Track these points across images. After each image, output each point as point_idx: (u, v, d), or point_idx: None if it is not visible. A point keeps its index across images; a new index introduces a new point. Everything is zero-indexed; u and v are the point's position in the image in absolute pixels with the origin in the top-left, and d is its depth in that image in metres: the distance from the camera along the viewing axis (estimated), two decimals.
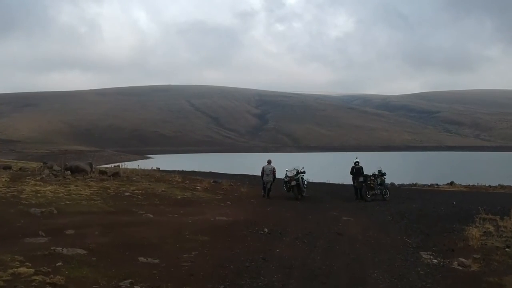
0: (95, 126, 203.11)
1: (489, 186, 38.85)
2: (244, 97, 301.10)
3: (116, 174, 18.12)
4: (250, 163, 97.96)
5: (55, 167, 17.70)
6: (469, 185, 40.57)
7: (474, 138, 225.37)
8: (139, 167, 34.63)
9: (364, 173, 18.33)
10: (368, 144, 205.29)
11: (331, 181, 41.65)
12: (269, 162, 18.39)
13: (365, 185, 17.86)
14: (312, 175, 64.81)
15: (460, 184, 39.49)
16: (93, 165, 18.26)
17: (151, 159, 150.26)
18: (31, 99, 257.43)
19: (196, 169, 37.33)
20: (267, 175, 17.70)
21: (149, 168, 32.92)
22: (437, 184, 36.97)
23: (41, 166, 17.90)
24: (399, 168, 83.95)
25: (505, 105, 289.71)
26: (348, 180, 46.66)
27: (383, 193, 18.33)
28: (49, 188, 14.38)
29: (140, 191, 15.19)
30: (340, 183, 41.23)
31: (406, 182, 44.66)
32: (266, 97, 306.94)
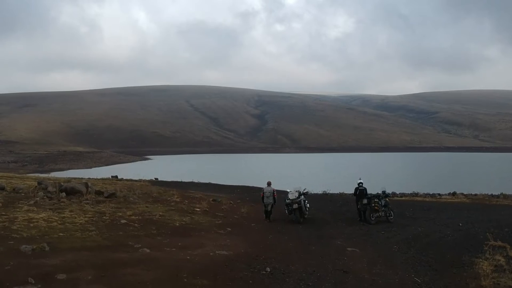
0: (94, 126, 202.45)
1: (492, 195, 38.39)
2: (244, 98, 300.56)
3: (112, 195, 17.59)
4: (249, 167, 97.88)
5: (50, 188, 17.17)
6: (471, 194, 40.15)
7: (473, 138, 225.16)
8: (138, 178, 34.27)
9: (368, 195, 17.81)
10: (367, 145, 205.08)
11: (331, 190, 41.21)
12: (268, 184, 17.92)
13: (369, 207, 17.36)
14: (312, 180, 64.25)
15: (462, 194, 39.04)
16: (89, 186, 17.70)
17: (150, 160, 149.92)
18: (30, 99, 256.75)
19: (195, 179, 36.70)
20: (267, 197, 17.25)
21: (148, 178, 32.41)
22: (439, 194, 36.52)
23: (35, 187, 17.35)
24: (399, 171, 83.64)
25: (504, 106, 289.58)
26: (348, 188, 46.23)
27: (387, 214, 17.84)
28: (43, 215, 13.85)
29: (137, 217, 14.66)
30: (340, 192, 40.82)
31: (407, 190, 44.24)
32: (265, 97, 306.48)
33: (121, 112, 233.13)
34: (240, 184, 33.07)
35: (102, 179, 31.21)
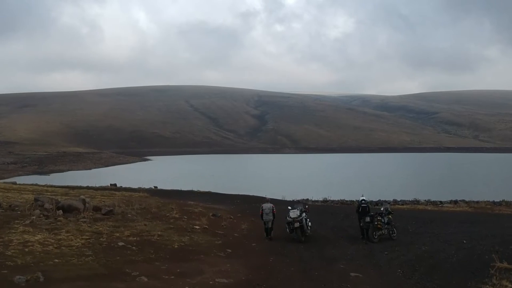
0: (94, 127, 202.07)
1: (493, 202, 38.15)
2: (243, 98, 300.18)
3: (110, 212, 17.27)
4: (249, 170, 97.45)
5: (47, 205, 16.85)
6: (473, 201, 39.89)
7: (473, 139, 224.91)
8: (137, 186, 33.97)
9: (371, 213, 17.50)
10: (367, 145, 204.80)
11: (332, 197, 40.99)
12: (267, 200, 17.63)
13: (372, 225, 17.06)
14: (312, 184, 63.81)
15: (464, 201, 38.79)
16: (87, 202, 17.38)
17: (150, 161, 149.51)
18: (30, 99, 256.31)
19: (195, 187, 36.36)
20: (267, 214, 16.98)
21: (147, 187, 32.05)
22: (440, 202, 36.30)
23: (32, 204, 17.05)
24: (399, 174, 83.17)
25: (504, 106, 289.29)
26: (348, 194, 45.97)
27: (391, 232, 17.53)
28: (39, 237, 13.53)
29: (135, 238, 14.35)
30: (341, 199, 40.59)
31: (408, 196, 43.99)
32: (265, 97, 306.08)
33: (121, 112, 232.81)
34: (240, 193, 32.71)
35: (101, 188, 30.88)
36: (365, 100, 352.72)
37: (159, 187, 34.18)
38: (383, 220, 17.32)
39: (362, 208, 17.53)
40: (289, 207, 17.41)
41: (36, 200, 17.41)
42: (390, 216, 17.77)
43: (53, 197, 20.48)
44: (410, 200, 39.00)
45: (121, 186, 33.56)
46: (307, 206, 17.84)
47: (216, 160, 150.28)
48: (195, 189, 35.04)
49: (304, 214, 17.01)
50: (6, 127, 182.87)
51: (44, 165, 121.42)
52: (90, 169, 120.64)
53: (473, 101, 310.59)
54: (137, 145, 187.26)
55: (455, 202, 33.60)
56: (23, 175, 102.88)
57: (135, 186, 33.89)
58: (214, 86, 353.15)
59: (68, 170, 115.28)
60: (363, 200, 17.90)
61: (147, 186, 34.46)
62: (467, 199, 42.25)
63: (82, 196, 18.02)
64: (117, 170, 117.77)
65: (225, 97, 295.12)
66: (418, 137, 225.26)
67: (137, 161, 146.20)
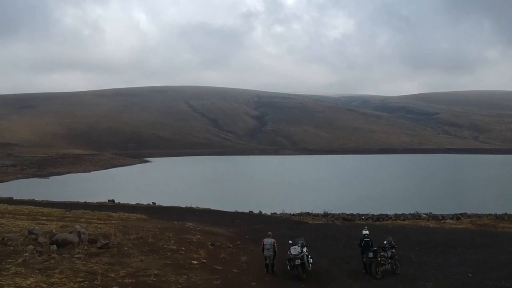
0: (93, 128, 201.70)
1: (496, 217, 37.65)
2: (243, 99, 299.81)
3: (105, 245, 16.81)
4: (248, 174, 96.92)
5: (41, 239, 16.39)
6: (476, 214, 39.43)
7: (473, 140, 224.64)
8: (135, 202, 33.40)
9: (374, 248, 17.04)
10: (366, 147, 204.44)
11: (332, 210, 40.49)
12: (269, 235, 17.17)
13: (375, 260, 16.60)
14: (312, 194, 63.20)
15: (466, 214, 38.32)
16: (82, 234, 16.93)
17: (150, 163, 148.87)
18: (30, 100, 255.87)
19: (194, 201, 35.73)
20: (268, 249, 16.54)
21: (145, 203, 31.41)
22: (442, 217, 35.84)
23: (26, 237, 16.61)
24: (399, 181, 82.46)
25: (503, 107, 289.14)
26: (348, 206, 45.48)
27: (394, 267, 17.08)
28: (31, 280, 13.05)
29: (130, 280, 13.89)
30: (341, 213, 40.08)
31: (409, 208, 43.41)
32: (265, 98, 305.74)
33: (120, 113, 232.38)
34: (240, 209, 32.23)
35: (99, 204, 30.34)
36: (365, 101, 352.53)
37: (157, 203, 33.62)
38: (386, 255, 16.86)
39: (365, 243, 17.08)
40: (290, 241, 16.98)
41: (30, 232, 16.97)
42: (393, 250, 17.32)
43: (48, 224, 20.08)
44: (411, 213, 38.49)
45: (119, 203, 33.07)
46: (307, 243, 17.42)
47: (216, 162, 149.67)
48: (194, 203, 34.46)
49: (305, 249, 16.58)
50: (5, 129, 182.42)
51: (43, 168, 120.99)
52: (89, 171, 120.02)
53: (472, 102, 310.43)
54: (136, 146, 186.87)
55: (458, 218, 33.10)
56: (23, 178, 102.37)
57: (133, 202, 33.37)
58: (214, 86, 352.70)
59: (68, 172, 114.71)
60: (366, 234, 17.46)
61: (145, 202, 33.96)
62: (469, 212, 41.92)
63: (77, 226, 17.57)
64: (117, 172, 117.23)
65: (225, 98, 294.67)
66: (418, 138, 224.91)
67: (136, 163, 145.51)
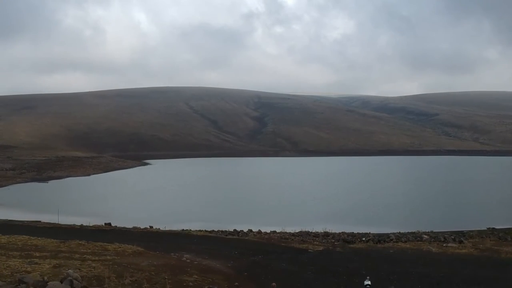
0: (93, 129, 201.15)
1: (499, 238, 37.24)
2: (243, 99, 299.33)
3: None
4: (247, 179, 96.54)
5: None
6: (478, 237, 38.92)
7: (473, 141, 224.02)
8: (132, 226, 33.13)
9: None
10: (367, 148, 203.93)
11: (332, 229, 40.18)
12: (273, 287, 16.86)
13: None
14: (312, 208, 62.66)
15: (470, 235, 37.90)
16: (74, 281, 16.62)
17: (149, 166, 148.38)
18: (29, 101, 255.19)
19: (191, 222, 35.32)
20: None
21: (142, 227, 31.08)
22: (444, 238, 35.49)
23: (16, 287, 16.29)
24: (400, 190, 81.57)
25: (503, 108, 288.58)
26: (348, 219, 45.06)
27: None
28: None
29: None
30: (342, 232, 39.77)
31: (409, 226, 43.01)
32: (265, 99, 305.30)
33: (120, 114, 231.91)
34: (238, 227, 31.89)
35: (95, 228, 29.97)
36: (365, 101, 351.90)
37: (154, 226, 33.26)
38: None
39: None
40: None
41: (20, 281, 16.66)
42: None
43: (41, 264, 19.82)
44: (413, 232, 38.14)
45: (116, 226, 32.75)
46: None
47: (215, 165, 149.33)
48: (191, 221, 34.14)
49: None
50: (5, 130, 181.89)
51: (42, 171, 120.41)
52: (89, 175, 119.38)
53: (473, 102, 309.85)
54: (136, 148, 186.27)
55: (460, 241, 32.80)
56: (22, 182, 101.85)
57: (129, 226, 33.08)
58: (214, 87, 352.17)
59: (67, 176, 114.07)
60: (367, 285, 17.24)
61: (142, 225, 33.70)
62: (471, 226, 41.87)
63: (70, 272, 17.26)
64: (116, 176, 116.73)
65: (225, 98, 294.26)
66: (418, 139, 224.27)
67: (136, 166, 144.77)
